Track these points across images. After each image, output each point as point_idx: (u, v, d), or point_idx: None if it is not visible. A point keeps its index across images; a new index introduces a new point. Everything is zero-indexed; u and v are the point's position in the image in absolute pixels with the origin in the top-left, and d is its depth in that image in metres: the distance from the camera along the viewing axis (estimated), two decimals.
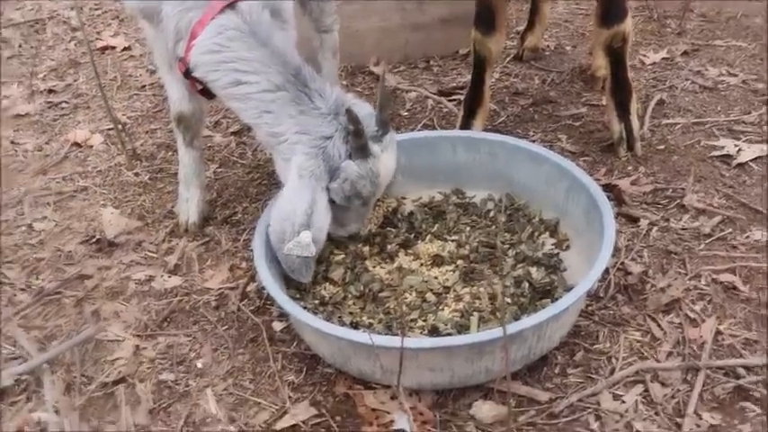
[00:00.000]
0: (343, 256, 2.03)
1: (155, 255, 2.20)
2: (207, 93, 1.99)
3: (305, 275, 1.87)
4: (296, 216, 1.83)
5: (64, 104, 2.84)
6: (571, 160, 2.18)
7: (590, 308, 1.93)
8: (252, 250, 1.96)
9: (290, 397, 1.79)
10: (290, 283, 1.91)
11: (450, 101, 2.74)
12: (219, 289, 2.13)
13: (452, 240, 2.08)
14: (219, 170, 2.55)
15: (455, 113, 2.60)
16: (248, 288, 2.12)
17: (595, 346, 1.86)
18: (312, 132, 1.85)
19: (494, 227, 2.07)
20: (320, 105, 1.86)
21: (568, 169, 2.04)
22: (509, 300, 1.85)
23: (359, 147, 1.84)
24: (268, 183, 2.44)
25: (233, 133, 2.73)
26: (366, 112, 1.88)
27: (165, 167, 2.51)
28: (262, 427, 1.74)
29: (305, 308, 1.84)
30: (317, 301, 1.92)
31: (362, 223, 2.01)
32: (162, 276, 2.12)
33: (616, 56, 2.27)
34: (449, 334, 1.78)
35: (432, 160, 2.21)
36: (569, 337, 1.86)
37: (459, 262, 2.01)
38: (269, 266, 1.85)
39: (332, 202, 1.91)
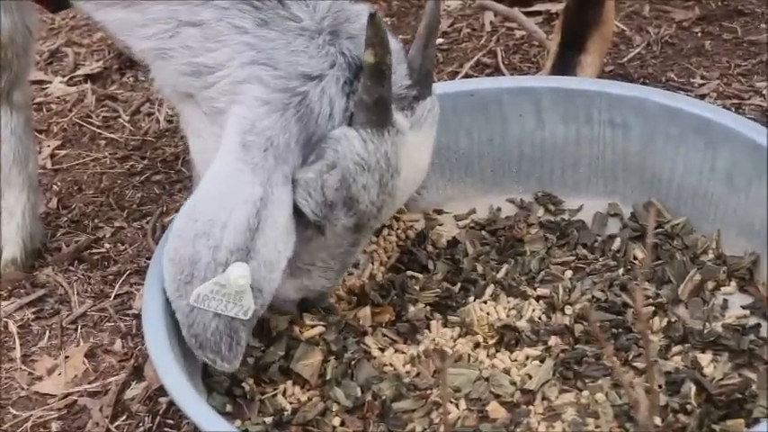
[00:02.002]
0: (320, 327, 1.68)
1: None
2: None
3: (229, 356, 1.52)
4: (224, 229, 1.48)
5: None
6: None
7: None
8: (136, 315, 1.80)
9: None
10: (215, 383, 1.61)
11: (529, 14, 2.49)
12: (67, 396, 1.76)
13: (538, 298, 1.77)
14: (64, 152, 2.27)
15: (542, 42, 2.40)
16: (128, 393, 1.75)
17: None
18: (280, 64, 1.49)
19: (623, 270, 1.74)
20: (300, 14, 1.51)
21: None
22: (659, 421, 1.51)
23: (375, 101, 1.47)
24: (169, 179, 2.14)
25: (89, 77, 2.43)
26: (391, 46, 1.52)
27: None
28: None
29: None
30: (268, 420, 1.59)
31: (337, 277, 1.65)
32: None
33: None
34: None
35: (492, 136, 1.89)
36: None
37: (553, 341, 1.66)
38: (175, 345, 1.54)
39: (296, 212, 1.52)
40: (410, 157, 1.56)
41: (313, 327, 1.70)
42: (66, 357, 1.81)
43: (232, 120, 1.51)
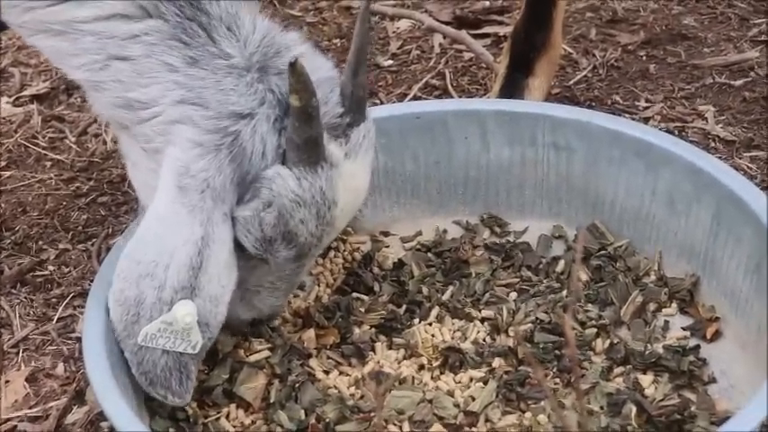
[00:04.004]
0: (265, 350, 1.66)
1: None
2: None
3: (179, 391, 1.51)
4: (168, 270, 1.47)
5: None
6: (725, 158, 2.00)
7: None
8: (80, 338, 1.70)
9: None
10: (158, 407, 1.58)
11: (477, 37, 2.47)
12: (7, 421, 1.72)
13: (482, 319, 1.74)
14: (8, 174, 2.24)
15: (489, 64, 2.42)
16: (69, 418, 1.70)
17: None
18: (211, 104, 1.48)
19: (566, 293, 1.73)
20: (229, 51, 1.49)
21: (717, 178, 1.69)
22: None
23: (305, 141, 1.46)
24: (115, 201, 2.12)
25: (35, 98, 2.39)
26: (324, 74, 1.50)
27: None
28: None
29: None
30: None
31: (286, 295, 1.64)
32: None
33: None
34: None
35: (438, 158, 1.88)
36: None
37: (497, 363, 1.66)
38: (117, 367, 1.52)
39: (237, 246, 1.51)
40: (347, 186, 1.55)
41: (260, 351, 1.67)
42: (7, 382, 1.77)
43: (167, 161, 1.50)
